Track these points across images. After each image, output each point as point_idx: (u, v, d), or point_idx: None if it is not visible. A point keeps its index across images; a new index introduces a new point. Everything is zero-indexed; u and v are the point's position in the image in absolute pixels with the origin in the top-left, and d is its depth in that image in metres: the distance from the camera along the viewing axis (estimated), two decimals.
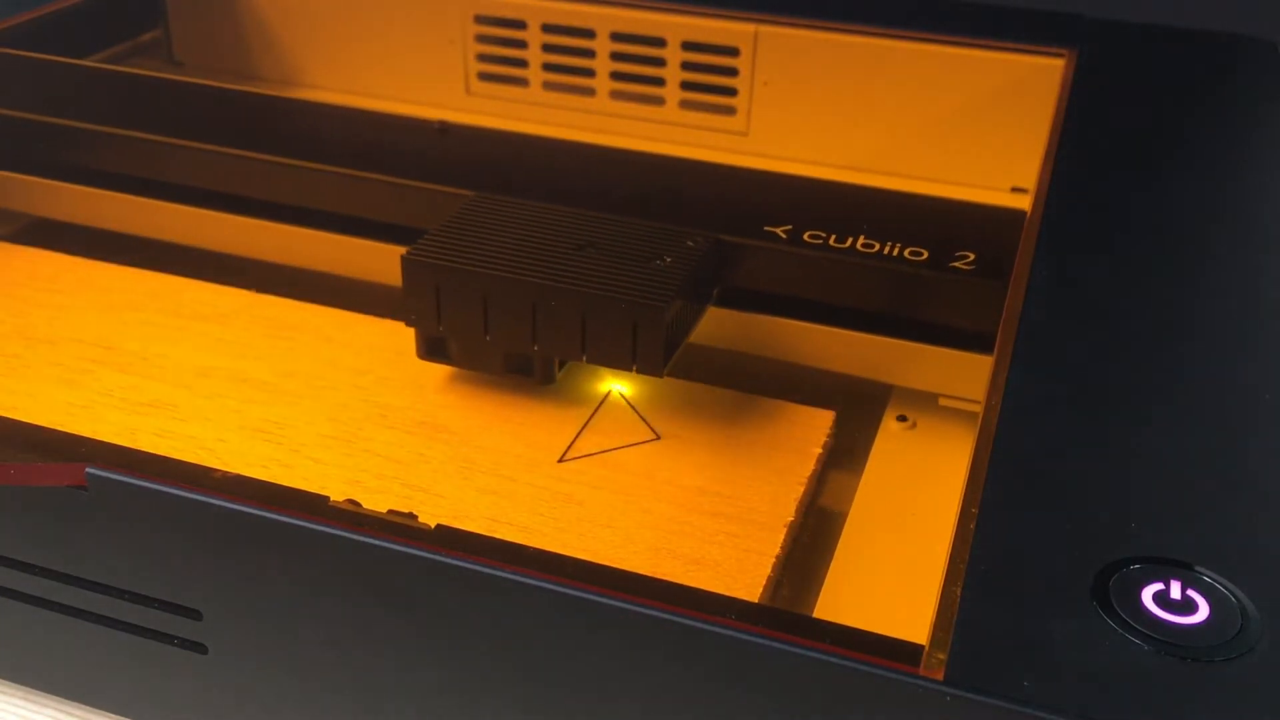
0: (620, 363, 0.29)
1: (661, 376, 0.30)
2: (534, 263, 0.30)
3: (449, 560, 0.22)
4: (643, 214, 0.34)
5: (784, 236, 0.33)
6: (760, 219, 0.34)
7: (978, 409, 0.26)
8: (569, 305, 0.29)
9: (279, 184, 0.38)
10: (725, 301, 0.33)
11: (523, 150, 0.40)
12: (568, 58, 0.50)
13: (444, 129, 0.40)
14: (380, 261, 0.36)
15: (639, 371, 0.29)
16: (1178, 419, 0.25)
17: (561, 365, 0.31)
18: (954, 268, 0.32)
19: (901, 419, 0.32)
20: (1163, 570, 0.21)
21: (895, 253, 0.32)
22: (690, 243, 0.31)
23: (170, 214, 0.39)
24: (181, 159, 0.39)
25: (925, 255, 0.32)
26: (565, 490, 0.28)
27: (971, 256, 0.32)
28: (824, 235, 0.33)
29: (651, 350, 0.29)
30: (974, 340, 0.31)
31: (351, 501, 0.25)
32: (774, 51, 0.47)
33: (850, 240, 0.33)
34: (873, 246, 0.33)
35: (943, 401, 0.32)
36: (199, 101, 0.43)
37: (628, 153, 0.41)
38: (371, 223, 0.37)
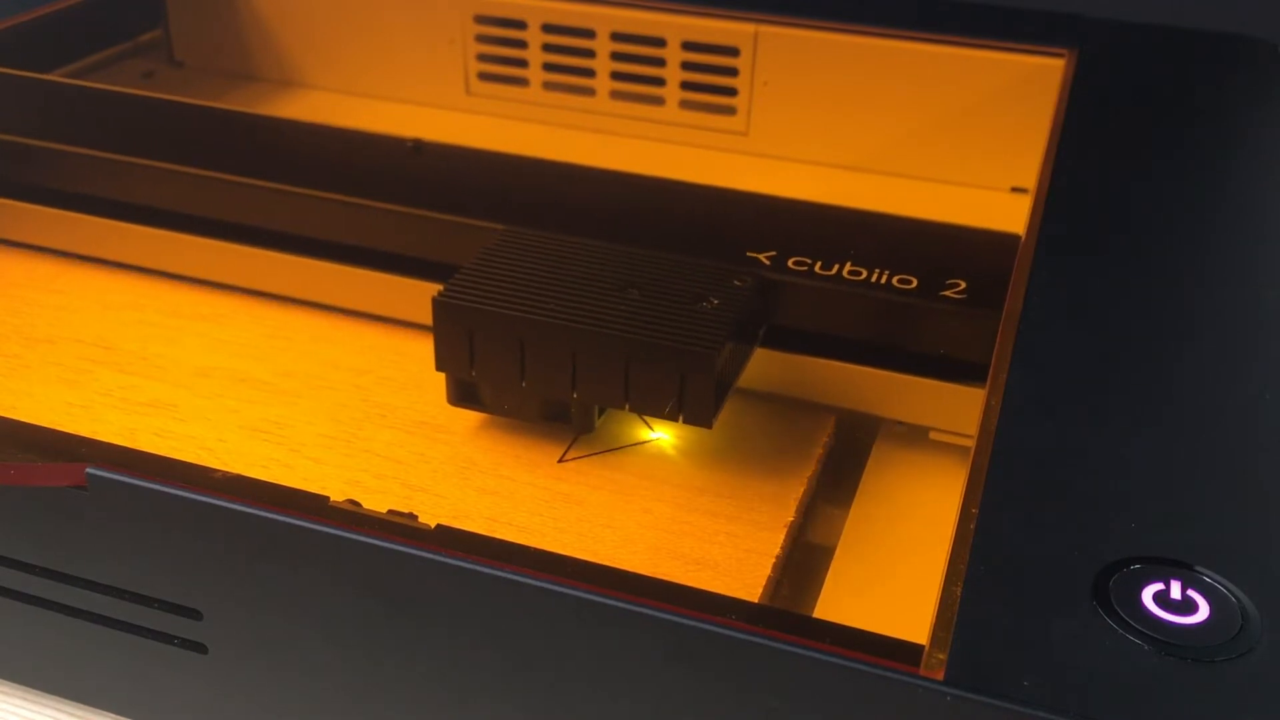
0: (666, 412, 0.28)
1: (710, 428, 0.28)
2: (573, 305, 0.28)
3: (449, 560, 0.22)
4: (619, 235, 0.33)
5: (767, 262, 0.32)
6: (743, 244, 0.32)
7: (970, 443, 0.25)
8: (612, 351, 0.27)
9: (249, 206, 0.36)
10: None
11: (496, 169, 0.39)
12: (568, 58, 0.50)
13: (418, 147, 0.38)
14: (357, 286, 0.35)
15: (686, 422, 0.28)
16: (1178, 419, 0.25)
17: (600, 413, 0.30)
18: (945, 296, 0.30)
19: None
20: (1163, 570, 0.21)
21: (883, 280, 0.31)
22: (737, 282, 0.30)
23: (135, 236, 0.37)
24: (145, 179, 0.37)
25: (915, 283, 0.31)
26: (565, 490, 0.28)
27: (962, 285, 0.31)
28: (809, 261, 0.31)
29: (701, 400, 0.27)
30: (965, 372, 0.30)
31: (351, 501, 0.25)
32: (774, 51, 0.47)
33: (837, 267, 0.31)
34: (859, 274, 0.31)
35: (933, 435, 0.31)
36: (167, 120, 0.41)
37: (604, 172, 0.39)
38: (346, 247, 0.35)
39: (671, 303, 0.29)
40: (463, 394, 0.30)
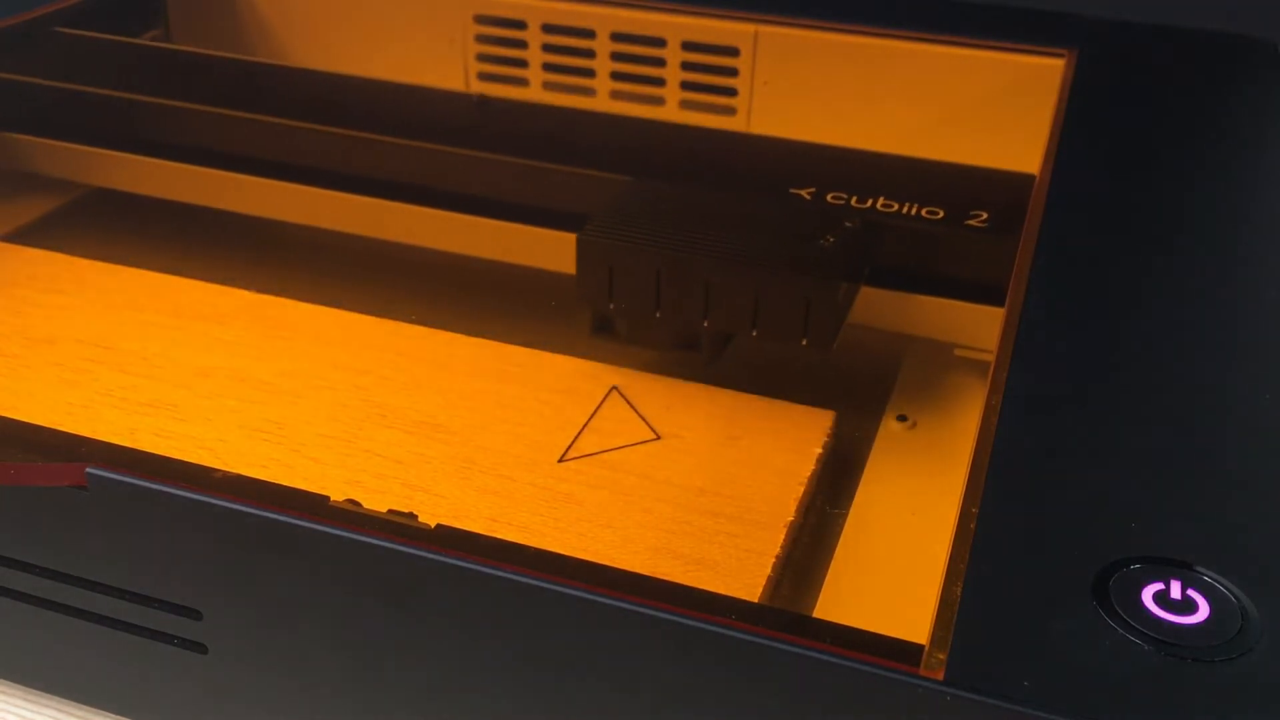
0: (791, 338, 0.31)
1: (830, 351, 0.31)
2: (702, 242, 0.31)
3: (449, 560, 0.22)
4: (667, 176, 0.37)
5: (808, 198, 0.35)
6: (785, 182, 0.36)
7: (990, 358, 0.27)
8: (742, 283, 0.30)
9: (341, 155, 0.40)
10: None
11: (555, 121, 0.43)
12: (568, 58, 0.50)
13: (483, 101, 0.43)
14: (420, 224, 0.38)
15: (809, 346, 0.31)
16: (1178, 419, 0.25)
17: (726, 343, 0.33)
18: (969, 225, 0.34)
19: (901, 419, 0.32)
20: (1163, 570, 0.21)
21: (913, 212, 0.34)
22: (847, 223, 0.33)
23: (238, 185, 0.40)
24: (244, 131, 0.41)
25: (941, 214, 0.34)
26: (565, 490, 0.28)
27: (984, 215, 0.34)
28: (845, 196, 0.35)
29: (824, 327, 0.31)
30: (987, 293, 0.33)
31: (351, 501, 0.25)
32: (774, 51, 0.47)
33: (870, 201, 0.35)
34: (891, 207, 0.34)
35: (958, 353, 0.34)
36: (253, 77, 0.46)
37: (642, 121, 0.44)
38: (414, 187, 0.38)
39: (792, 240, 0.32)
40: (600, 326, 0.33)
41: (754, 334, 0.31)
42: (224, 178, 0.40)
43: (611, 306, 0.32)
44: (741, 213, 0.33)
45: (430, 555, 0.22)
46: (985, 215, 0.34)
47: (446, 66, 0.51)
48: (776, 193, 0.35)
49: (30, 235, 0.40)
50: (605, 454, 0.29)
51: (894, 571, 0.27)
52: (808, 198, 0.35)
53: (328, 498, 0.25)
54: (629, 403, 0.31)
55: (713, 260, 0.31)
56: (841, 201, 0.35)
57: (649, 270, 0.31)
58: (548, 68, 0.50)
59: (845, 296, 0.32)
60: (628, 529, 0.27)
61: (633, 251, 0.31)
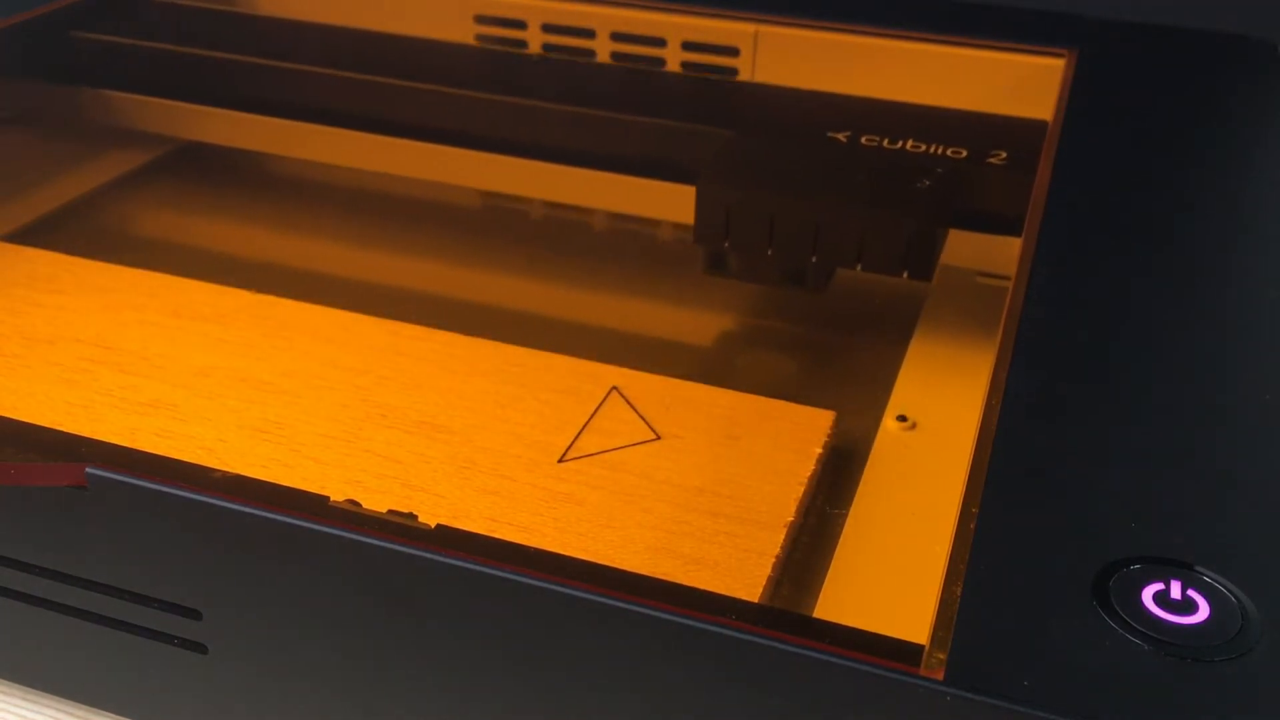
0: (893, 272, 0.34)
1: (930, 282, 0.35)
2: (809, 185, 0.35)
3: (449, 560, 0.22)
4: (719, 123, 0.41)
5: (844, 140, 0.39)
6: (823, 126, 0.40)
7: (1008, 285, 0.30)
8: (851, 222, 0.34)
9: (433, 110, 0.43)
10: None
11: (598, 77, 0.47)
12: (568, 58, 0.50)
13: (543, 60, 0.48)
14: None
15: (910, 278, 0.34)
16: (1179, 419, 0.25)
17: (830, 276, 0.36)
18: (990, 163, 0.38)
19: (901, 419, 0.32)
20: (1163, 570, 0.21)
21: (939, 152, 0.38)
22: (939, 169, 0.36)
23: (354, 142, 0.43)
24: (331, 88, 0.45)
25: (965, 154, 0.38)
26: (565, 490, 0.28)
27: (1004, 155, 0.38)
28: (878, 139, 0.39)
29: (923, 260, 0.34)
30: (1008, 224, 0.35)
31: (351, 501, 0.25)
32: (774, 51, 0.47)
33: (901, 143, 0.39)
34: (920, 148, 0.38)
35: (979, 280, 0.37)
36: (321, 36, 0.50)
37: (683, 78, 0.48)
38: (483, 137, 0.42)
39: (891, 183, 0.36)
40: (713, 263, 0.37)
41: (858, 268, 0.34)
42: (306, 130, 0.43)
43: (726, 245, 0.35)
44: (837, 161, 0.37)
45: (430, 555, 0.22)
46: (1004, 154, 0.38)
47: None
48: (757, 129, 0.39)
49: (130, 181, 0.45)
50: (605, 454, 0.29)
51: (894, 571, 0.27)
52: (844, 140, 0.39)
53: (328, 498, 0.25)
54: (629, 403, 0.31)
55: (823, 203, 0.34)
56: (874, 143, 0.38)
57: (763, 212, 0.34)
58: None
59: (940, 235, 0.35)
60: (628, 529, 0.27)
61: (749, 194, 0.35)
